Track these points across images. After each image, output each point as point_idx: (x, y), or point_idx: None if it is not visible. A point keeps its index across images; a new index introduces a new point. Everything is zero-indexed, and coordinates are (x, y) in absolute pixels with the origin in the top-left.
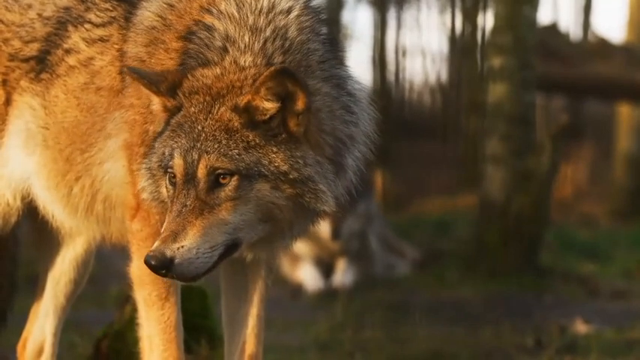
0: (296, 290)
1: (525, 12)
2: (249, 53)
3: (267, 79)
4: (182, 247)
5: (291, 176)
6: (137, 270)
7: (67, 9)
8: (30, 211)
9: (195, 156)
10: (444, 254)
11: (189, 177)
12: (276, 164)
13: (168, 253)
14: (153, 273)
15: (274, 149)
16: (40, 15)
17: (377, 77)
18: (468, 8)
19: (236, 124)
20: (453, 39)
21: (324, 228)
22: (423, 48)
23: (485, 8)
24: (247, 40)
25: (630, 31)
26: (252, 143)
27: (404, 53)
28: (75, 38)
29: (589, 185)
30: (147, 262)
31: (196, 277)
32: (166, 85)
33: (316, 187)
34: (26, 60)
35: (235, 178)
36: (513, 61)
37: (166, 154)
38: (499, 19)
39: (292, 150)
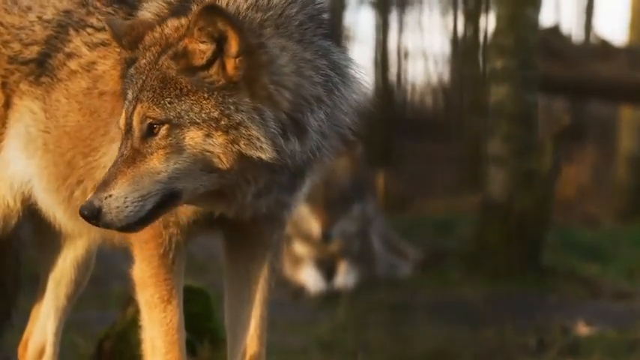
0: (298, 292)
1: (527, 13)
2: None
3: (197, 18)
4: (110, 195)
5: (222, 122)
6: (139, 272)
7: (67, 12)
8: (31, 212)
9: (133, 106)
10: (447, 254)
11: (129, 128)
12: (207, 111)
13: (96, 202)
14: (156, 275)
15: (206, 95)
16: (40, 18)
17: (379, 79)
18: (470, 10)
19: (172, 71)
20: (455, 40)
21: (314, 229)
22: (425, 50)
23: (487, 10)
24: None
25: (632, 32)
26: (185, 90)
27: (406, 55)
28: (77, 42)
29: (591, 186)
30: (81, 214)
31: (129, 227)
32: (129, 38)
33: (249, 132)
34: (26, 62)
35: (166, 126)
36: (515, 63)
37: None
38: (501, 21)
39: (225, 96)
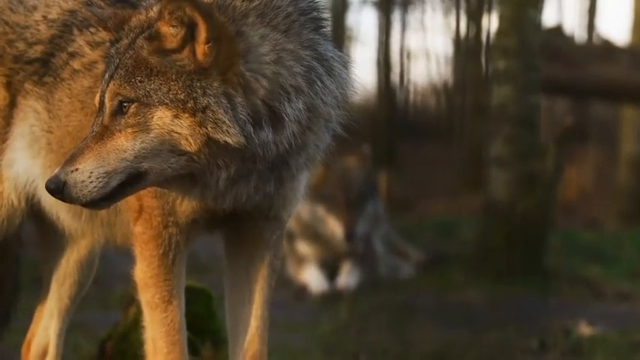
0: (300, 292)
1: (530, 14)
2: None
3: (166, 2)
4: (76, 170)
5: (189, 105)
6: (140, 273)
7: (72, 12)
8: (34, 212)
9: (107, 84)
10: (449, 256)
11: (101, 105)
12: (174, 92)
13: (62, 176)
14: (156, 276)
15: (173, 77)
16: (45, 17)
17: (381, 79)
18: (472, 10)
19: (144, 52)
20: (457, 41)
21: (336, 230)
22: (428, 50)
23: (489, 10)
24: None
25: (635, 33)
26: (155, 71)
27: (408, 55)
28: (80, 42)
29: (594, 188)
30: (46, 187)
31: (93, 203)
32: (115, 20)
33: (216, 116)
34: (30, 62)
35: (134, 105)
36: (518, 64)
37: None
38: (504, 22)
39: (194, 80)
